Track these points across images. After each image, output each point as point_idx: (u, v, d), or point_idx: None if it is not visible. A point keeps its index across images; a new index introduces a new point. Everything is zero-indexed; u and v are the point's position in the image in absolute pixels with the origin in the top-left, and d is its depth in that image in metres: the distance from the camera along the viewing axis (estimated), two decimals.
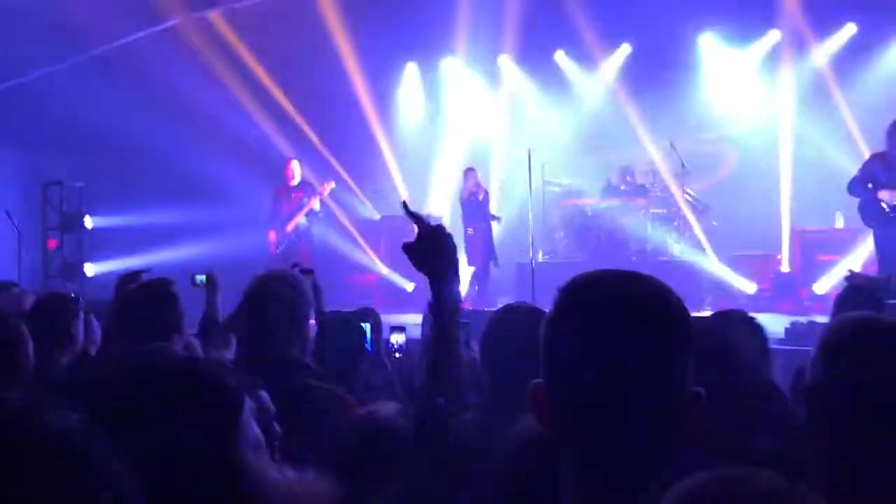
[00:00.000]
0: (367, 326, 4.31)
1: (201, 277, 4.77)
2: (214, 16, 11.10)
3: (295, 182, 9.26)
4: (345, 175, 11.58)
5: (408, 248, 1.79)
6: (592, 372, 1.10)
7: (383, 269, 11.00)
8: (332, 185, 9.39)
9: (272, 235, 9.14)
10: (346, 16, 11.22)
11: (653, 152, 11.21)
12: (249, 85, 11.36)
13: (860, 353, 1.45)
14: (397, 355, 3.64)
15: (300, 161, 9.53)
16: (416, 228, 1.81)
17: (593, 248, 10.37)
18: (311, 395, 2.35)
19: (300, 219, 9.09)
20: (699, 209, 10.65)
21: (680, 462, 1.12)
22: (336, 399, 2.38)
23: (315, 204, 9.06)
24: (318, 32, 11.21)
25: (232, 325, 3.16)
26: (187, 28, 10.94)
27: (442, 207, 11.87)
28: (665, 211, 10.54)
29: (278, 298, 2.48)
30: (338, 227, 11.26)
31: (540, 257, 10.00)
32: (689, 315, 1.16)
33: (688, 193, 10.52)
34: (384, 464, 1.93)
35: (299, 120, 11.57)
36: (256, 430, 1.67)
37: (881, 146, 7.22)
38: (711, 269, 9.93)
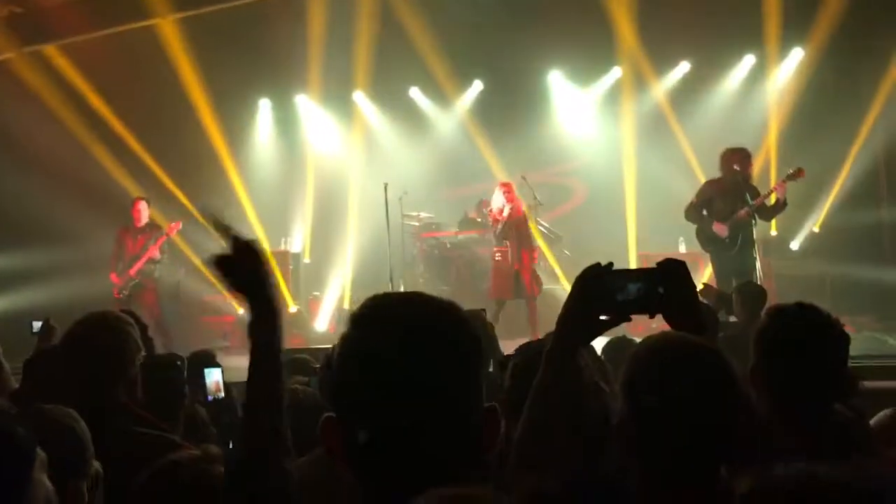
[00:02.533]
0: (211, 371, 4.15)
1: (38, 323, 4.49)
2: (50, 50, 10.58)
3: (142, 223, 8.88)
4: (197, 214, 11.20)
5: (216, 264, 1.54)
6: (381, 396, 1.08)
7: (240, 310, 10.67)
8: (179, 225, 9.07)
9: (114, 279, 8.71)
10: (194, 51, 10.96)
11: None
12: (92, 123, 10.86)
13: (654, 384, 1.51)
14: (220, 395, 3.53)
15: (148, 201, 9.16)
16: (226, 242, 1.57)
17: (453, 280, 10.49)
18: (134, 441, 2.21)
19: (144, 262, 8.71)
20: (552, 239, 10.97)
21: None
22: (163, 445, 2.23)
23: (155, 254, 8.72)
24: (164, 68, 10.89)
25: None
26: (20, 63, 10.37)
27: (298, 243, 11.72)
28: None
29: (97, 344, 2.32)
30: (190, 267, 10.86)
31: (401, 291, 9.98)
32: (477, 332, 1.15)
33: (541, 224, 10.81)
34: None
35: (147, 158, 11.14)
36: (48, 484, 1.53)
37: (716, 173, 7.68)
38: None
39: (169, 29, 10.81)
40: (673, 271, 1.71)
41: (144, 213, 8.92)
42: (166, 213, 9.78)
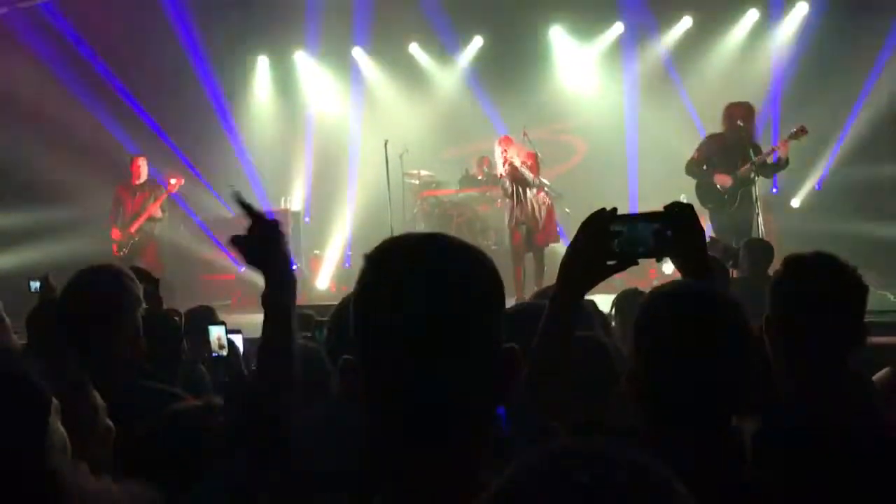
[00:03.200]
0: (214, 328, 4.15)
1: (36, 283, 4.48)
2: (46, 6, 10.44)
3: (140, 180, 8.84)
4: (197, 172, 11.18)
5: (237, 242, 1.75)
6: (403, 337, 1.06)
7: (241, 267, 10.68)
8: (181, 181, 9.03)
9: (115, 234, 8.69)
10: (192, 7, 10.83)
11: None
12: (90, 80, 10.76)
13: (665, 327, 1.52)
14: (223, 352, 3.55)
15: (147, 158, 9.11)
16: (248, 221, 1.75)
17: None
18: (136, 394, 2.22)
19: (144, 220, 8.69)
20: (553, 197, 10.92)
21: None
22: (165, 397, 2.24)
23: (156, 212, 8.68)
24: (162, 25, 10.76)
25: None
26: (15, 19, 10.24)
27: (299, 202, 11.69)
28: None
29: (96, 294, 2.31)
30: (190, 225, 10.85)
31: None
32: (496, 274, 1.13)
33: (542, 182, 10.76)
34: (190, 461, 1.83)
35: (145, 115, 11.06)
36: (62, 430, 1.54)
37: (718, 129, 7.62)
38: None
39: None
40: (680, 214, 1.70)
41: (143, 170, 8.88)
42: (164, 171, 9.73)
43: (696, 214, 1.72)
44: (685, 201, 7.06)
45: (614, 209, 1.68)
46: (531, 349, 1.65)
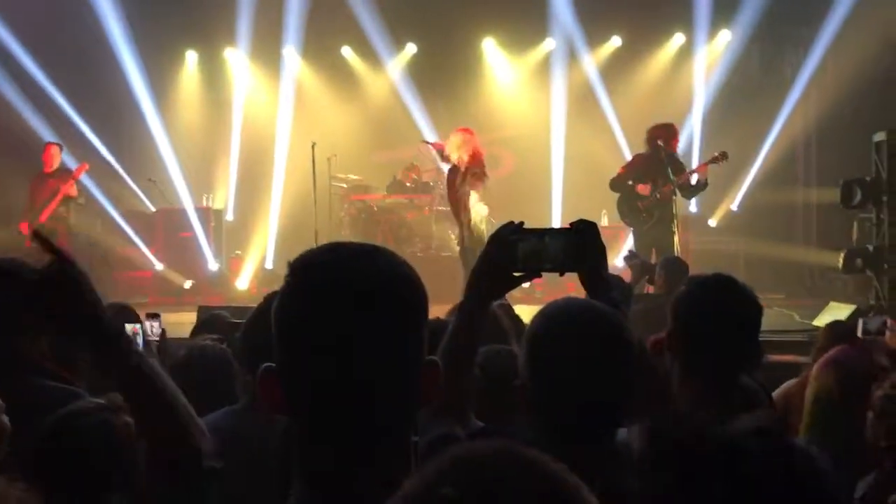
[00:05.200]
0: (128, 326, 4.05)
1: None
2: None
3: (52, 168, 8.55)
4: (116, 164, 10.87)
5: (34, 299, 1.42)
6: (324, 348, 1.07)
7: (158, 265, 10.43)
8: (86, 166, 8.77)
9: (24, 227, 8.37)
10: None
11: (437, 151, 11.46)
12: (5, 66, 10.37)
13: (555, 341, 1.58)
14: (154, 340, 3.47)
15: (61, 147, 8.82)
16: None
17: (380, 244, 10.38)
18: (35, 393, 2.14)
19: (57, 208, 8.40)
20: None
21: None
22: (67, 396, 2.17)
23: (70, 190, 8.40)
24: (86, 11, 10.44)
25: None
26: None
27: (222, 200, 11.49)
28: (448, 208, 10.78)
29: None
30: (107, 219, 10.53)
31: None
32: (420, 287, 1.14)
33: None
34: (93, 461, 1.78)
35: (64, 105, 10.69)
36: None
37: (643, 148, 7.81)
38: None
39: None
40: (585, 231, 1.76)
41: (56, 158, 8.58)
42: (82, 159, 9.42)
43: (598, 232, 1.78)
44: (605, 221, 7.20)
45: (521, 223, 1.73)
46: (438, 356, 1.68)
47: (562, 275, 1.76)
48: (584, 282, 1.80)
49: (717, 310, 1.99)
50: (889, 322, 4.85)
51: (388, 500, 0.77)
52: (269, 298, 2.41)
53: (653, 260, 6.83)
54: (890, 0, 8.96)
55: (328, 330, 1.07)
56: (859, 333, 5.34)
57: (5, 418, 1.92)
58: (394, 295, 1.10)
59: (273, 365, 1.12)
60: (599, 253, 1.78)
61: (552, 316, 1.61)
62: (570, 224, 1.79)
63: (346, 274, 1.10)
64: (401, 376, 1.09)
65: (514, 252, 1.70)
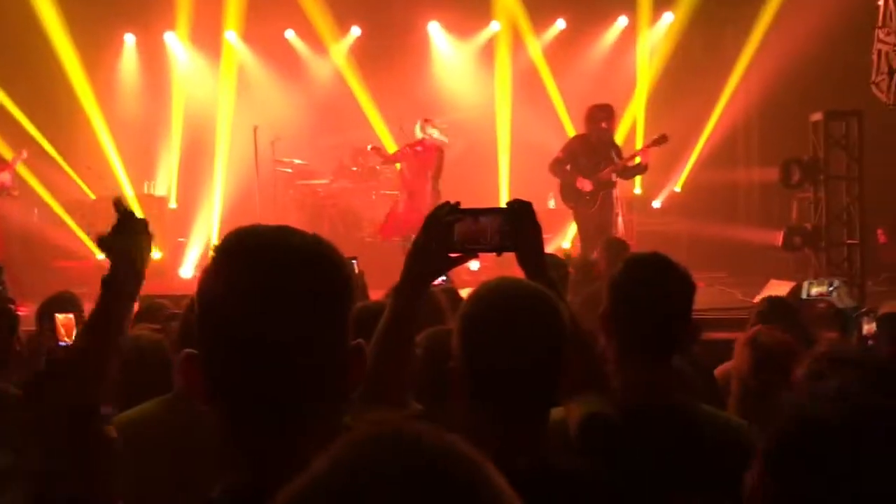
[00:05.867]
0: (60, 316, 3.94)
1: None
2: None
3: None
4: (53, 151, 10.56)
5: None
6: (244, 334, 1.05)
7: (100, 255, 10.17)
8: (24, 154, 8.50)
9: None
10: None
11: (384, 135, 11.41)
12: None
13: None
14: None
15: None
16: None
17: (326, 229, 10.34)
18: None
19: None
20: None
21: None
22: None
23: (4, 180, 8.14)
24: None
25: None
26: None
27: (164, 187, 11.26)
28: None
29: None
30: (44, 209, 10.24)
31: None
32: (346, 271, 1.13)
33: None
34: None
35: None
36: None
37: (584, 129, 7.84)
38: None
39: None
40: (521, 211, 1.75)
41: None
42: (16, 146, 9.15)
43: (533, 212, 1.77)
44: (552, 203, 7.24)
45: (457, 203, 1.71)
46: (374, 339, 1.66)
47: (498, 255, 1.75)
48: (521, 262, 1.79)
49: (648, 288, 1.99)
50: (837, 283, 4.95)
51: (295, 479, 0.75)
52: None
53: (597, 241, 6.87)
54: None
55: (243, 311, 1.06)
56: (803, 296, 5.45)
57: None
58: (311, 276, 1.09)
59: (194, 351, 1.10)
60: (535, 233, 1.78)
61: (483, 297, 1.60)
62: (507, 204, 1.78)
63: (261, 254, 1.09)
64: (321, 358, 1.08)
65: (449, 233, 1.69)
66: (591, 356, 1.88)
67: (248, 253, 1.09)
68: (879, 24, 7.31)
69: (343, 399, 1.13)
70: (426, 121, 8.95)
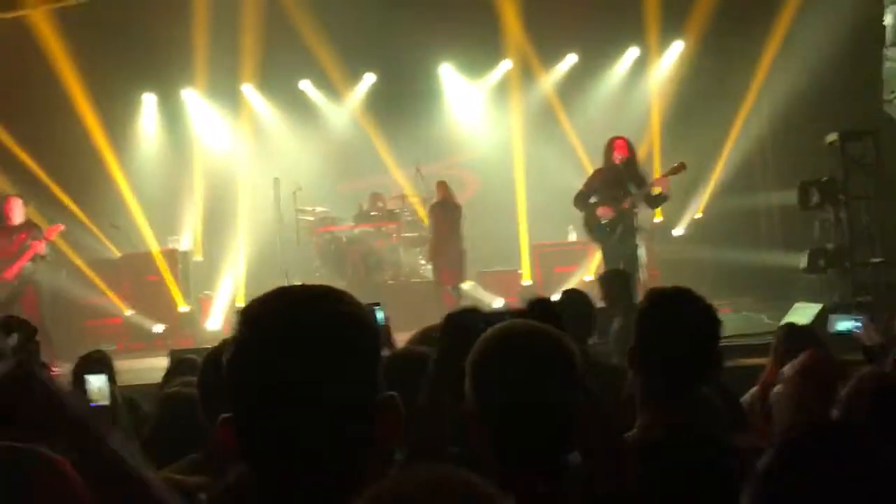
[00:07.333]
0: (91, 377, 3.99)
1: None
2: None
3: (16, 222, 8.42)
4: (78, 212, 10.76)
5: None
6: (275, 394, 1.08)
7: (126, 311, 10.32)
8: (62, 227, 8.66)
9: None
10: (72, 43, 10.50)
11: (400, 178, 11.55)
12: None
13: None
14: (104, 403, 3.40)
15: (22, 199, 8.72)
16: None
17: (350, 274, 10.43)
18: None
19: (25, 263, 8.27)
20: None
21: None
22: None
23: (40, 249, 8.27)
24: (39, 60, 10.39)
25: None
26: None
27: (188, 241, 11.41)
28: (416, 234, 10.83)
29: None
30: (72, 269, 10.40)
31: None
32: (367, 323, 1.15)
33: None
34: None
35: (21, 155, 10.59)
36: None
37: (601, 163, 7.89)
38: (462, 287, 10.33)
39: (41, 22, 10.31)
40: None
41: (18, 210, 8.45)
42: (44, 213, 9.34)
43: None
44: (573, 236, 7.26)
45: (475, 308, 1.74)
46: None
47: None
48: None
49: (673, 323, 2.01)
50: (864, 320, 4.90)
51: None
52: (220, 346, 2.41)
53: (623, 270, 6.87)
54: (832, 3, 9.15)
55: (271, 377, 1.09)
56: (829, 330, 5.39)
57: None
58: (340, 339, 1.11)
59: (229, 416, 1.13)
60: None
61: (492, 339, 1.61)
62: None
63: (290, 320, 1.12)
64: (352, 414, 1.10)
65: (472, 339, 1.65)
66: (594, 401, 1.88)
67: (274, 318, 1.13)
68: (887, 43, 7.33)
69: (373, 448, 1.13)
70: None
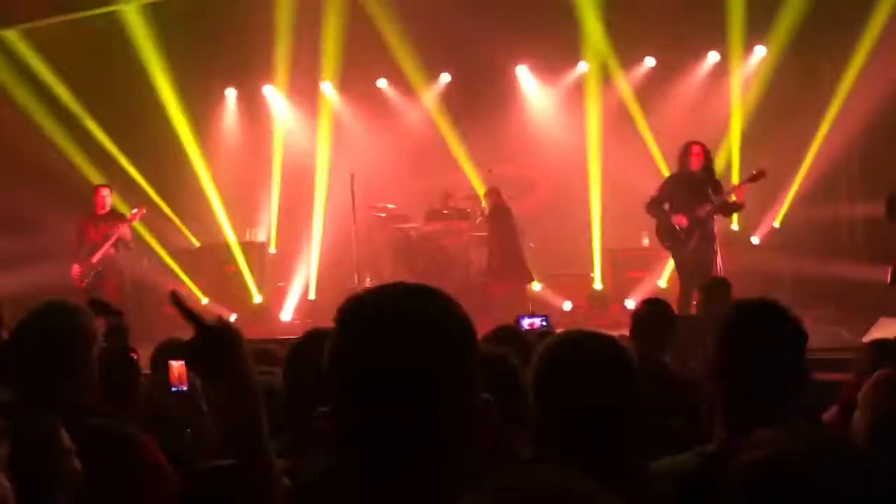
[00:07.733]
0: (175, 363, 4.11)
1: None
2: (11, 35, 10.38)
3: (104, 211, 8.75)
4: (160, 202, 11.10)
5: (187, 352, 1.44)
6: (378, 390, 1.10)
7: (204, 299, 10.59)
8: (143, 211, 8.95)
9: (75, 268, 8.56)
10: (160, 39, 10.85)
11: (473, 178, 11.57)
12: (54, 110, 10.67)
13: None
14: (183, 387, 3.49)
15: (111, 189, 9.04)
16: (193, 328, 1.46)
17: (419, 272, 10.49)
18: (88, 434, 2.18)
19: (108, 249, 8.58)
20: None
21: None
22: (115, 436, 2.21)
23: (125, 233, 8.58)
24: (128, 55, 10.76)
25: None
26: None
27: (264, 234, 11.64)
28: (486, 234, 10.82)
29: (48, 334, 2.26)
30: (153, 257, 10.74)
31: (367, 282, 9.98)
32: (470, 326, 1.17)
33: None
34: None
35: (109, 146, 10.97)
36: (6, 484, 1.54)
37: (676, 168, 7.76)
38: (531, 288, 10.30)
39: (132, 16, 10.67)
40: None
41: (107, 200, 8.78)
42: (129, 202, 9.65)
43: (520, 335, 1.86)
44: (646, 242, 7.22)
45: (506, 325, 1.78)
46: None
47: None
48: None
49: (760, 337, 1.96)
50: None
51: None
52: (307, 336, 2.45)
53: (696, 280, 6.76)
54: None
55: (374, 371, 1.10)
56: None
57: (76, 461, 1.97)
58: (445, 333, 1.13)
59: (325, 411, 1.15)
60: None
61: (554, 346, 1.63)
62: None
63: (391, 313, 1.13)
64: (457, 414, 1.11)
65: None
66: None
67: (379, 310, 1.15)
68: None
69: (469, 449, 1.14)
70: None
